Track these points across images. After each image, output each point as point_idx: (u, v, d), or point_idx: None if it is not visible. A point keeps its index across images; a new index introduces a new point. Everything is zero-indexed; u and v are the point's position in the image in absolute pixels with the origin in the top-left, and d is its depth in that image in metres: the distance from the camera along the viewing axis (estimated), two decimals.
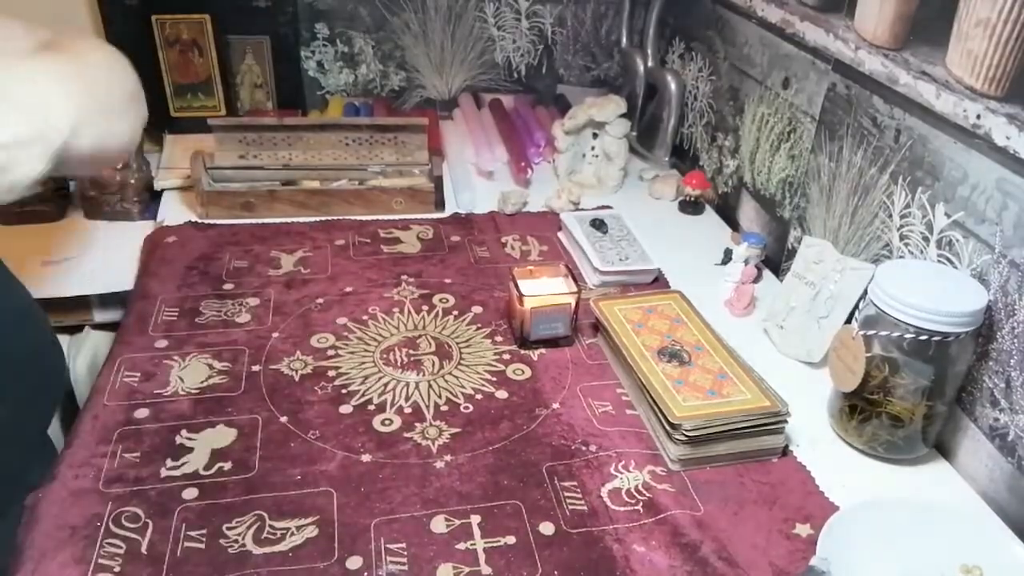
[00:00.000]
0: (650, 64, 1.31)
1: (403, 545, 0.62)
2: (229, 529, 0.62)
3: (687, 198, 1.19)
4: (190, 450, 0.70)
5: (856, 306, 0.83)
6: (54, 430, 0.77)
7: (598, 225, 1.05)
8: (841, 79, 0.90)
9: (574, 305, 0.85)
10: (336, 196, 1.09)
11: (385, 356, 0.83)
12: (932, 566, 0.62)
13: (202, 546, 0.61)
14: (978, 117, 0.71)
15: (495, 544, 0.63)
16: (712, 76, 1.22)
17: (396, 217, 1.11)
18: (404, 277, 0.97)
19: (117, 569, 0.58)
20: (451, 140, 1.31)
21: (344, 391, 0.78)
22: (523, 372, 0.83)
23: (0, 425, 0.54)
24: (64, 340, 0.83)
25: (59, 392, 0.64)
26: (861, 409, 0.74)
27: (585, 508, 0.67)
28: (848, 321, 0.83)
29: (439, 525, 0.64)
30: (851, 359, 0.73)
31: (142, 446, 0.69)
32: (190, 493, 0.65)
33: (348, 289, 0.93)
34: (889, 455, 0.75)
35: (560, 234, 1.09)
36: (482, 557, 0.62)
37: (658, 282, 1.00)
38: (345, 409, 0.76)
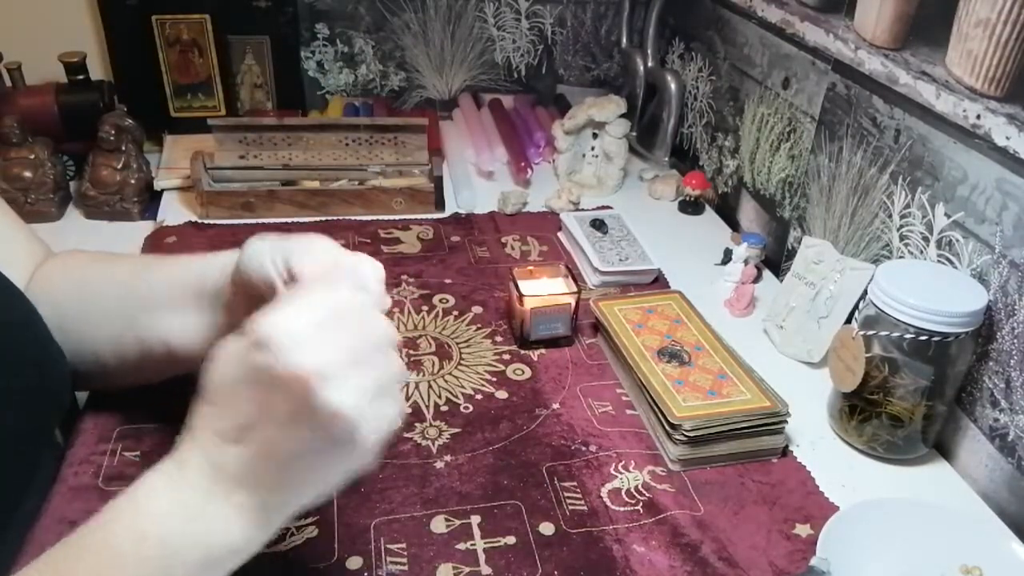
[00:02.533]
0: (650, 64, 1.31)
1: (403, 545, 0.62)
2: None
3: (687, 198, 1.19)
4: None
5: (856, 306, 0.83)
6: None
7: (598, 225, 1.05)
8: (841, 79, 0.90)
9: (574, 305, 0.85)
10: (336, 196, 1.09)
11: None
12: (932, 566, 0.62)
13: None
14: (978, 117, 0.71)
15: (495, 544, 0.63)
16: (712, 76, 1.22)
17: (396, 217, 1.11)
18: (404, 277, 0.97)
19: None
20: (451, 140, 1.31)
21: None
22: (523, 372, 0.83)
23: (6, 432, 0.55)
24: None
25: (64, 399, 0.65)
26: (861, 409, 0.74)
27: (585, 508, 0.67)
28: (848, 321, 0.83)
29: (439, 525, 0.64)
30: (851, 359, 0.73)
31: (142, 446, 0.69)
32: None
33: None
34: (889, 455, 0.75)
35: (560, 234, 1.09)
36: (482, 557, 0.62)
37: (658, 282, 1.00)
38: None
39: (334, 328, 0.41)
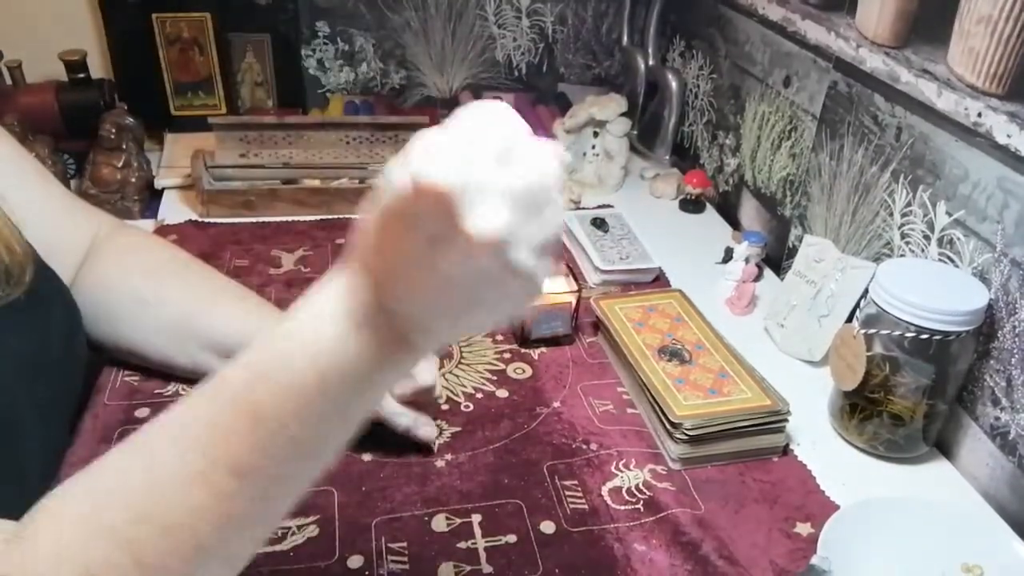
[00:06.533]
0: (651, 62, 1.30)
1: (404, 544, 0.62)
2: None
3: (688, 197, 1.19)
4: None
5: (857, 305, 0.83)
6: None
7: (599, 224, 1.05)
8: (842, 77, 0.90)
9: (575, 304, 0.85)
10: (337, 195, 1.09)
11: None
12: (933, 565, 0.62)
13: None
14: (979, 115, 0.71)
15: (496, 543, 0.63)
16: (713, 74, 1.22)
17: None
18: None
19: None
20: None
21: None
22: (524, 371, 0.83)
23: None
24: None
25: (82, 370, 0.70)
26: (862, 408, 0.74)
27: (586, 507, 0.67)
28: (849, 320, 0.83)
29: (440, 524, 0.64)
30: (852, 358, 0.73)
31: None
32: None
33: None
34: (890, 454, 0.75)
35: None
36: (483, 556, 0.62)
37: (659, 281, 1.00)
38: None
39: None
